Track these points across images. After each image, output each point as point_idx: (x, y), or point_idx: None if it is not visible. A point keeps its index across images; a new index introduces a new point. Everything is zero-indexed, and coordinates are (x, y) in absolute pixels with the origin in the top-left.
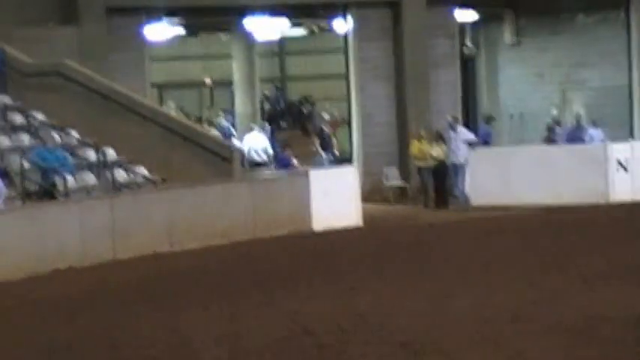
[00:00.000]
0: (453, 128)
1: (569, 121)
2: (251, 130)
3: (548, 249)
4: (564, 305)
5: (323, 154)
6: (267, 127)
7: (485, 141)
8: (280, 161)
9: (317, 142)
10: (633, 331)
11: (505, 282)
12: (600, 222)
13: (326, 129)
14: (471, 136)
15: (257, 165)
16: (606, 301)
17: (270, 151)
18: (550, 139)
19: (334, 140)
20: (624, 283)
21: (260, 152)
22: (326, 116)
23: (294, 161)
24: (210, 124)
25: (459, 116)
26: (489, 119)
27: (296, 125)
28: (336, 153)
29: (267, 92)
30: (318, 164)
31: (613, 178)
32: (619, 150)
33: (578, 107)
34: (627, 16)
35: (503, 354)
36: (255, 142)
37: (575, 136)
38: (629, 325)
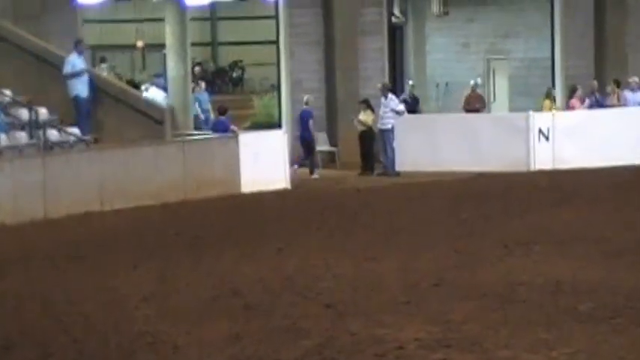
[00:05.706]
0: (383, 95)
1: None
2: (146, 89)
3: (471, 215)
4: (485, 270)
5: None
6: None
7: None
8: (219, 125)
9: None
10: (551, 295)
11: (428, 247)
12: (522, 189)
13: None
14: (400, 107)
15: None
16: (526, 267)
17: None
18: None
19: None
20: (544, 249)
21: None
22: None
23: (233, 127)
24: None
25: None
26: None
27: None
28: None
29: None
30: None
31: (535, 147)
32: (541, 119)
33: (502, 77)
34: None
35: (424, 316)
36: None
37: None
38: (547, 290)
